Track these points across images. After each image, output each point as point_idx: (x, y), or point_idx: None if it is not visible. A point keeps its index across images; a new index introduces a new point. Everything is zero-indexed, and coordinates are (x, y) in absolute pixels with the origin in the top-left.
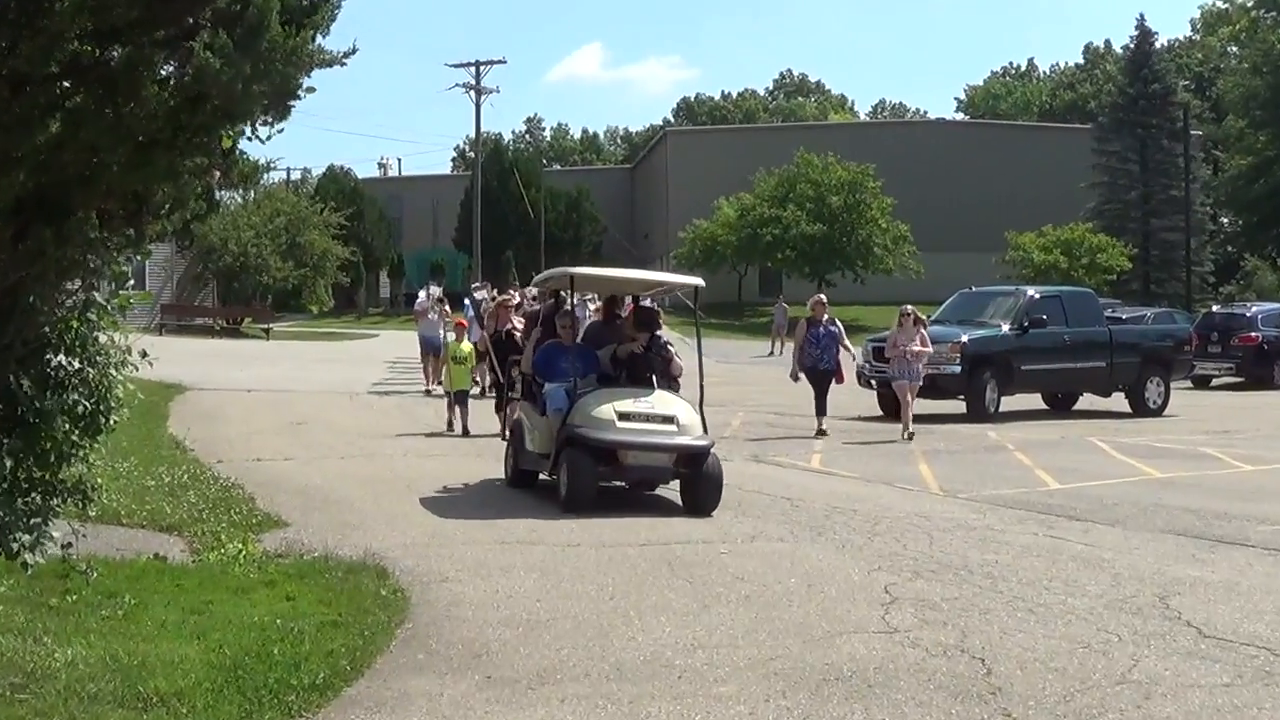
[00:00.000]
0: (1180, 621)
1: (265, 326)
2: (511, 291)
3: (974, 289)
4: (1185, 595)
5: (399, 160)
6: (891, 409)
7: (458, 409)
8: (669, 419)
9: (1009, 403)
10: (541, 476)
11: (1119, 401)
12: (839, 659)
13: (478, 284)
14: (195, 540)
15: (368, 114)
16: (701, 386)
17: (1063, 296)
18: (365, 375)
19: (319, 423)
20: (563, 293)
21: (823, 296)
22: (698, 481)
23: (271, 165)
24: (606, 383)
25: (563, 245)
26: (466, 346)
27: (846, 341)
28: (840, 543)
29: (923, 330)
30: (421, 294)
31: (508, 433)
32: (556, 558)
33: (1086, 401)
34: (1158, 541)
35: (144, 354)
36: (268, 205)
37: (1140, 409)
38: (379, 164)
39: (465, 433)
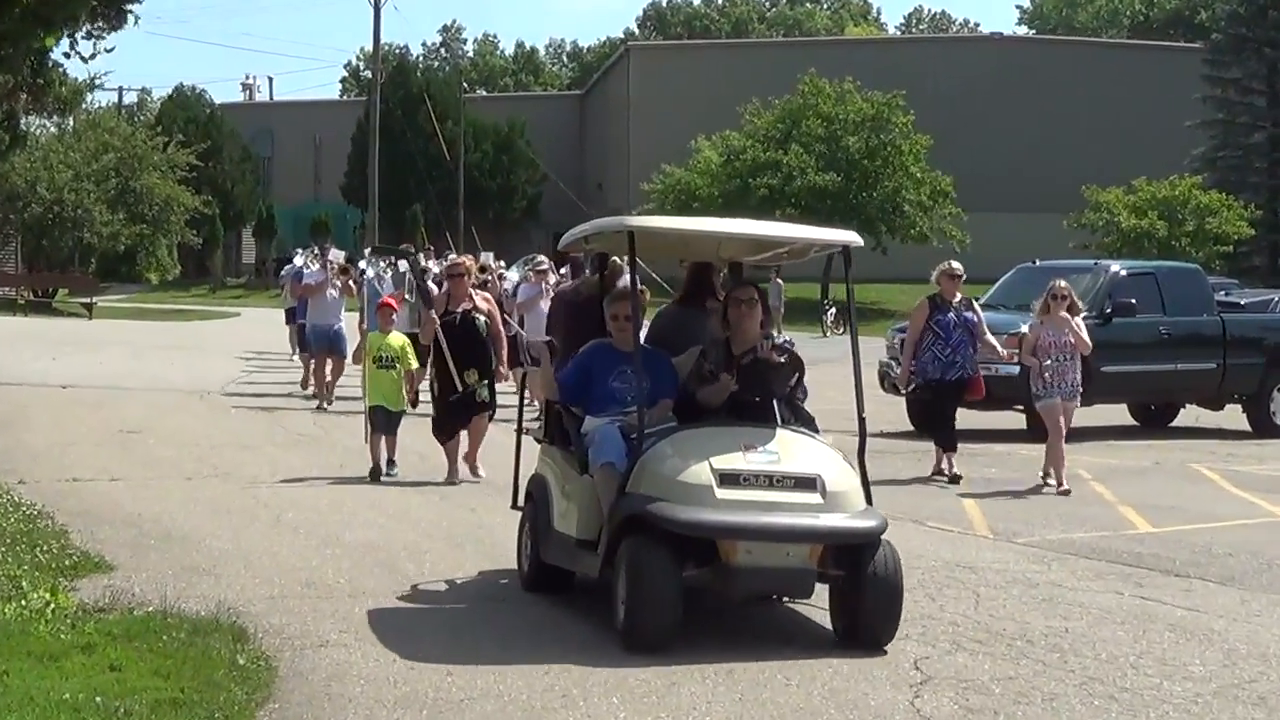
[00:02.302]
0: None
1: (86, 300)
2: (467, 260)
3: (1039, 263)
4: None
5: (270, 80)
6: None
7: (383, 439)
8: (807, 482)
9: (1085, 415)
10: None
11: (1234, 416)
12: None
13: (369, 249)
14: None
15: (229, 16)
16: (862, 419)
17: (1159, 275)
18: (221, 369)
19: (157, 432)
20: (615, 261)
21: (955, 265)
22: (861, 591)
23: (98, 83)
24: (691, 415)
25: (488, 197)
26: (398, 339)
27: (989, 335)
28: None
29: (1079, 320)
30: (298, 259)
31: (521, 497)
32: (475, 615)
33: (1190, 415)
34: None
35: None
36: (92, 138)
37: (1263, 426)
38: (243, 85)
39: (375, 472)
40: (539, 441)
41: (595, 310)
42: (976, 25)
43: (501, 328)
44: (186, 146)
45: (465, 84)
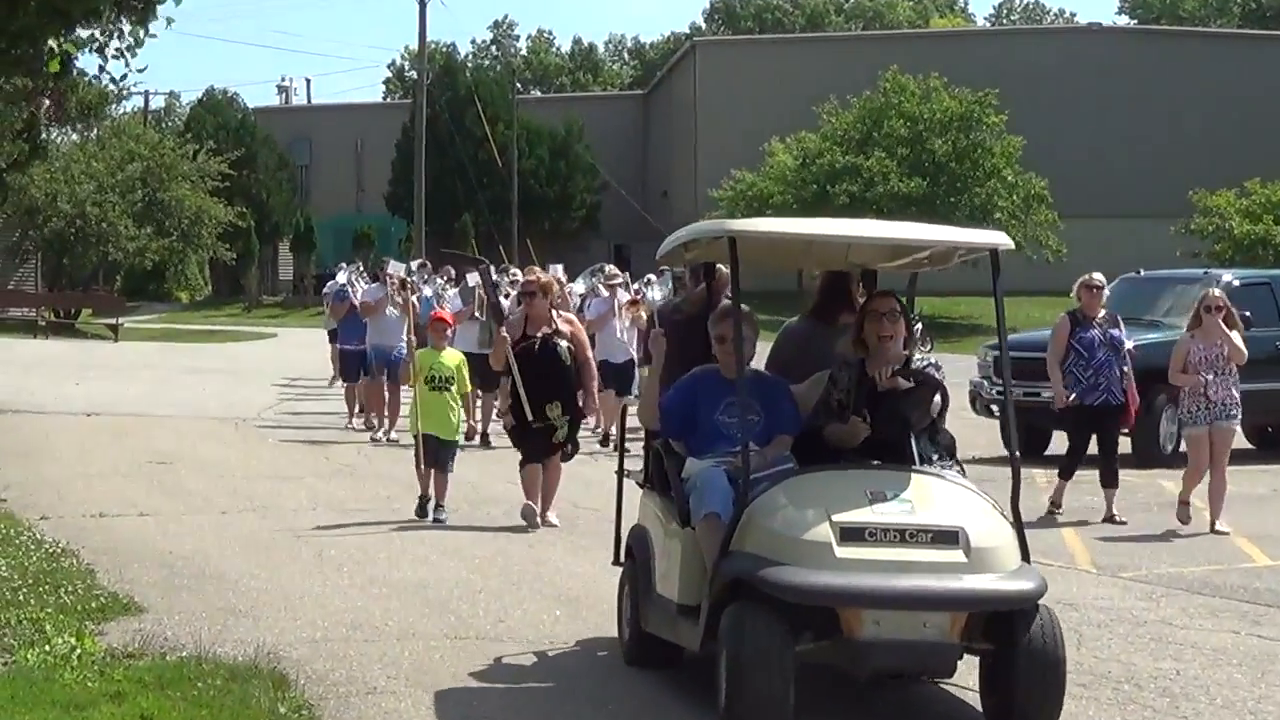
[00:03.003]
0: None
1: (112, 321)
2: (544, 275)
3: (1143, 274)
4: None
5: (307, 82)
6: (1035, 446)
7: (433, 475)
8: (948, 536)
9: None
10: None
11: None
12: None
13: (419, 261)
14: (7, 633)
15: (262, 14)
16: (1014, 458)
17: (1276, 284)
18: (257, 394)
19: (189, 462)
20: (724, 271)
21: (1096, 276)
22: (1015, 668)
23: (125, 91)
24: (817, 454)
25: (543, 206)
26: (453, 357)
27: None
28: None
29: (1238, 332)
30: (341, 276)
31: (622, 552)
32: (534, 660)
33: None
34: None
35: None
36: (116, 146)
37: None
38: (279, 87)
39: (424, 503)
40: (641, 486)
41: (701, 330)
42: (1073, 15)
43: (589, 354)
44: (218, 154)
45: (518, 84)
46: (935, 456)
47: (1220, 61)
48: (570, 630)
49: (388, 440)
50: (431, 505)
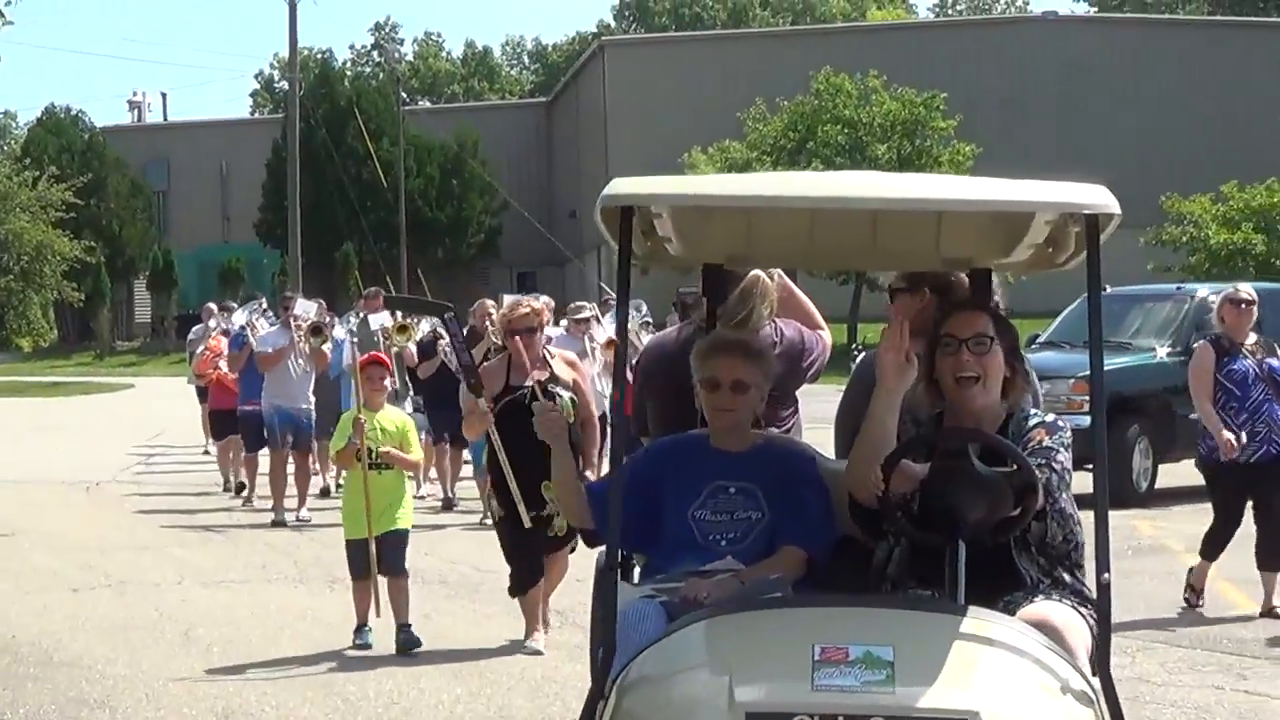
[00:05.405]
0: None
1: None
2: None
3: (1110, 290)
4: None
5: (163, 97)
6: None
7: (383, 584)
8: None
9: (1171, 473)
10: None
11: None
12: None
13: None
14: None
15: (109, 21)
16: (1104, 565)
17: (1259, 300)
18: (113, 454)
19: (34, 534)
20: (765, 280)
21: (1244, 289)
22: None
23: None
24: (860, 580)
25: (436, 232)
26: (394, 418)
27: None
28: None
29: None
30: (239, 316)
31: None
32: None
33: None
34: None
35: None
36: None
37: None
38: (130, 103)
39: (404, 644)
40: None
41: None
42: (1026, 4)
43: (594, 411)
44: (61, 181)
45: (404, 94)
46: (1044, 580)
47: (1192, 53)
48: (473, 711)
49: (298, 519)
50: (400, 629)
